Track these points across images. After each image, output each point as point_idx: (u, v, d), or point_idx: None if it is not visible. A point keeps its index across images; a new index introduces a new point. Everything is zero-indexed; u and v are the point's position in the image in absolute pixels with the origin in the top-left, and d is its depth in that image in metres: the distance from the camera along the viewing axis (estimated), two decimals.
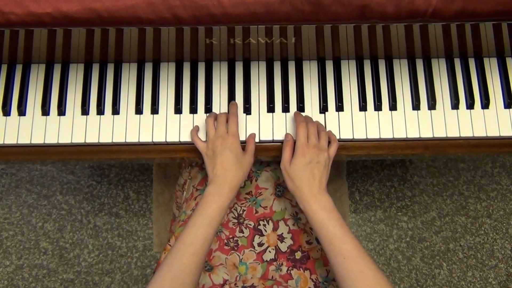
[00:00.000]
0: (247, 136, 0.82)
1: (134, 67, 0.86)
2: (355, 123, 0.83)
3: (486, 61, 0.86)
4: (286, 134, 0.82)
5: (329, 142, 0.79)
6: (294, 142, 0.78)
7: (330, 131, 0.82)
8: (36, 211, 1.53)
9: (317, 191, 0.73)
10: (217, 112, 0.84)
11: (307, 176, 0.74)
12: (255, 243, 0.84)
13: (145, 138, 0.82)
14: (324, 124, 0.83)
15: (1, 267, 1.49)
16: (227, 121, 0.80)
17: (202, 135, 0.83)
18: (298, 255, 0.83)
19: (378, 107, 0.83)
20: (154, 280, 0.67)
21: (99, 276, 1.48)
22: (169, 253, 0.71)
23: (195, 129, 0.82)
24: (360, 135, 0.83)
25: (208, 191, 0.75)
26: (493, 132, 0.82)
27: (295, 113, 0.82)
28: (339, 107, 0.84)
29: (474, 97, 0.84)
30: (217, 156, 0.76)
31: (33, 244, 1.50)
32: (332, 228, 0.70)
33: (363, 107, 0.83)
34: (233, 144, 0.77)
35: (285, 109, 0.84)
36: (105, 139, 0.82)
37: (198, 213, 0.73)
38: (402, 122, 0.83)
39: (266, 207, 0.87)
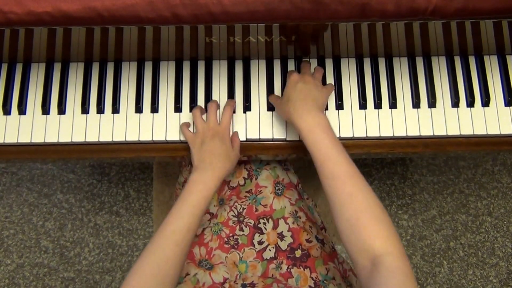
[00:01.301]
0: (232, 133, 0.82)
1: (134, 66, 0.86)
2: (355, 122, 0.83)
3: (486, 59, 0.86)
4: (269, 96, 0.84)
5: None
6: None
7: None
8: (37, 210, 1.53)
9: (311, 107, 0.70)
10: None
11: (298, 93, 0.72)
12: (255, 242, 0.84)
13: (145, 136, 0.83)
14: None
15: (2, 265, 1.49)
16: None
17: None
18: (298, 253, 0.83)
19: (378, 105, 0.83)
20: (135, 269, 0.64)
21: (99, 275, 1.48)
22: (151, 241, 0.68)
23: (185, 124, 0.82)
24: (360, 133, 0.83)
25: (193, 178, 0.73)
26: (493, 130, 0.82)
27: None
28: (339, 106, 0.84)
29: (475, 95, 0.84)
30: (206, 144, 0.75)
31: (34, 243, 1.50)
32: (325, 148, 0.67)
33: (363, 105, 0.83)
34: (224, 135, 0.76)
35: None
36: (105, 138, 0.82)
37: (182, 201, 0.71)
38: (402, 120, 0.83)
39: (266, 205, 0.87)
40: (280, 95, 0.84)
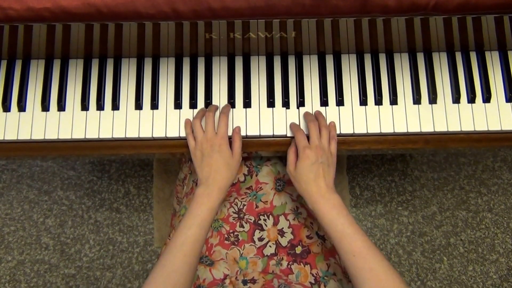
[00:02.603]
0: (233, 131, 0.82)
1: (133, 62, 0.85)
2: (355, 118, 0.83)
3: (487, 54, 0.85)
4: (291, 140, 0.82)
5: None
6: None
7: (331, 124, 0.82)
8: (37, 207, 1.53)
9: (325, 191, 0.74)
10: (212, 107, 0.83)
11: (313, 177, 0.74)
12: (255, 238, 0.84)
13: (145, 133, 0.82)
14: None
15: (3, 262, 1.49)
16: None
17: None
18: (298, 249, 0.83)
19: (378, 101, 0.83)
20: (148, 282, 0.68)
21: (100, 271, 1.48)
22: (162, 254, 0.72)
23: (189, 125, 0.81)
24: (360, 129, 0.82)
25: (198, 193, 0.76)
26: (494, 126, 0.82)
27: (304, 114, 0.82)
28: (340, 102, 0.83)
29: (476, 91, 0.83)
30: (205, 158, 0.77)
31: (35, 240, 1.51)
32: (341, 226, 0.70)
33: (363, 102, 0.83)
34: (221, 146, 0.77)
35: (285, 104, 0.83)
36: (105, 134, 0.82)
37: (188, 214, 0.74)
38: (403, 116, 0.83)
39: (267, 201, 0.87)
40: (280, 96, 0.84)
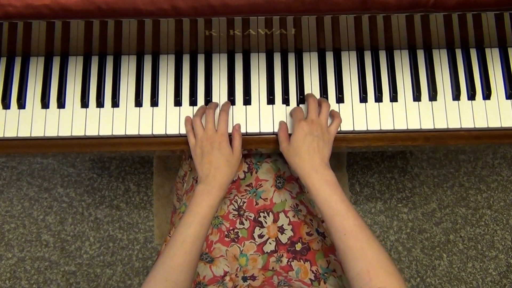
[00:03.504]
0: (232, 128, 0.81)
1: (133, 60, 0.85)
2: (355, 115, 0.83)
3: (487, 51, 0.85)
4: (280, 122, 0.82)
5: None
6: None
7: (333, 110, 0.82)
8: (37, 204, 1.53)
9: (319, 165, 0.72)
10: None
11: (307, 149, 0.73)
12: (255, 235, 0.84)
13: (145, 130, 0.82)
14: None
15: (3, 259, 1.49)
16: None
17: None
18: (298, 246, 0.83)
19: (378, 98, 0.83)
20: (148, 279, 0.68)
21: (100, 268, 1.48)
22: (162, 252, 0.72)
23: (189, 123, 0.81)
24: (360, 126, 0.82)
25: (198, 190, 0.75)
26: (494, 123, 0.82)
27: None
28: (340, 99, 0.83)
29: (476, 88, 0.83)
30: (206, 156, 0.77)
31: (35, 237, 1.51)
32: (334, 203, 0.69)
33: (363, 99, 0.83)
34: (221, 143, 0.77)
35: (285, 101, 0.83)
36: (105, 132, 0.82)
37: (188, 212, 0.74)
38: (403, 113, 0.83)
39: (266, 199, 0.87)
40: (280, 93, 0.84)
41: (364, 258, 0.65)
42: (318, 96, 0.84)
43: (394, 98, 0.83)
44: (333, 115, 0.79)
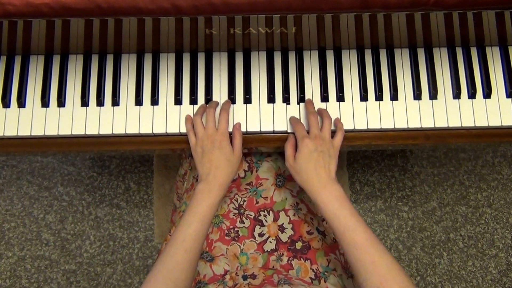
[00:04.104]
0: (233, 127, 0.81)
1: (133, 58, 0.85)
2: (356, 113, 0.83)
3: (488, 50, 0.85)
4: (289, 135, 0.81)
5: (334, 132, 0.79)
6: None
7: (337, 119, 0.82)
8: (38, 203, 1.53)
9: (326, 181, 0.73)
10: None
11: (313, 167, 0.73)
12: (255, 234, 0.84)
13: (145, 129, 0.82)
14: None
15: (3, 258, 1.50)
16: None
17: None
18: (298, 245, 0.83)
19: (379, 97, 0.83)
20: (148, 278, 0.68)
21: (100, 267, 1.48)
22: (162, 251, 0.72)
23: (190, 121, 0.81)
24: (361, 125, 0.82)
25: (198, 189, 0.75)
26: (495, 122, 0.82)
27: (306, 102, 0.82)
28: (340, 97, 0.83)
29: (476, 86, 0.83)
30: (206, 155, 0.77)
31: (35, 236, 1.51)
32: (344, 218, 0.70)
33: (364, 97, 0.83)
34: (222, 142, 0.77)
35: (286, 99, 0.83)
36: (105, 130, 0.82)
37: (189, 211, 0.74)
38: (403, 112, 0.83)
39: (267, 197, 0.87)
40: (281, 92, 0.83)
41: (377, 272, 0.65)
42: (318, 95, 0.84)
43: (394, 96, 0.83)
44: (336, 125, 0.79)
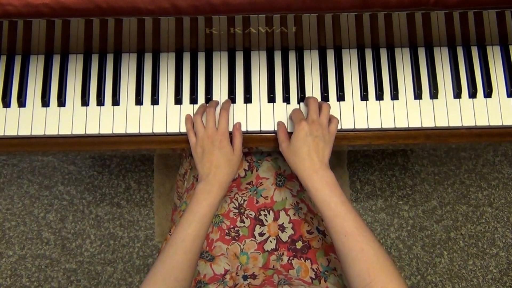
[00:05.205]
0: (233, 127, 0.81)
1: (133, 58, 0.85)
2: (356, 113, 0.83)
3: (489, 49, 0.85)
4: (278, 122, 0.81)
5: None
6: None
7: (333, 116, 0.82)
8: (38, 202, 1.53)
9: (319, 166, 0.72)
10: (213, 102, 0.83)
11: (307, 149, 0.73)
12: (256, 233, 0.84)
13: (146, 129, 0.82)
14: None
15: (4, 257, 1.50)
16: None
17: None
18: (299, 245, 0.83)
19: (379, 96, 0.83)
20: (148, 278, 0.68)
21: (101, 266, 1.49)
22: (162, 251, 0.72)
23: (190, 121, 0.81)
24: (361, 125, 0.82)
25: (198, 189, 0.75)
26: (495, 121, 0.82)
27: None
28: (340, 97, 0.83)
29: (477, 86, 0.83)
30: (206, 154, 0.77)
31: (36, 235, 1.51)
32: (334, 205, 0.69)
33: (364, 97, 0.83)
34: (222, 142, 0.77)
35: (286, 99, 0.83)
36: (106, 130, 0.82)
37: (189, 211, 0.74)
38: (404, 111, 0.83)
39: (267, 197, 0.87)
40: (281, 91, 0.83)
41: (364, 259, 0.65)
42: (319, 94, 0.84)
43: (395, 96, 0.83)
44: (331, 116, 0.79)
